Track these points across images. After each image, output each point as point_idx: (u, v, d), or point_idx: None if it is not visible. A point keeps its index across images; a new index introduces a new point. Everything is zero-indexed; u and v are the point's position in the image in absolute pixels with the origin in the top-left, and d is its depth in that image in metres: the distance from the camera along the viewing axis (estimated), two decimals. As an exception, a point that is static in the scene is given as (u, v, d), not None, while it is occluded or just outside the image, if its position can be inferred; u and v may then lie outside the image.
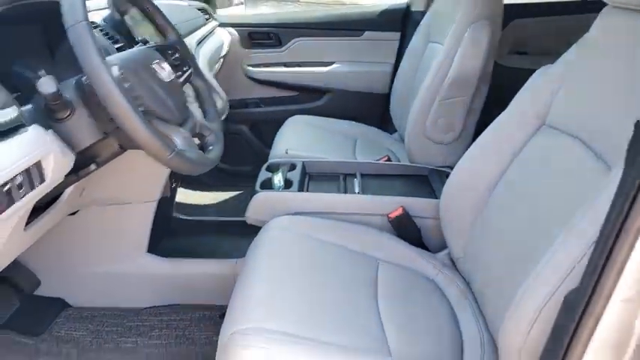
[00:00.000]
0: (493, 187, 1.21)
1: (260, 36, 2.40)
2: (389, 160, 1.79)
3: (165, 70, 1.07)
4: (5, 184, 0.76)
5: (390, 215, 1.41)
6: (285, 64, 2.43)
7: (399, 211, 1.40)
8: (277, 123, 2.21)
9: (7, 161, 0.78)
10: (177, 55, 1.20)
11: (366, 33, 2.38)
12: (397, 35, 2.35)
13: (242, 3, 2.75)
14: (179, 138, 1.00)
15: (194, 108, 1.21)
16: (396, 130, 2.20)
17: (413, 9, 2.30)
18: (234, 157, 2.36)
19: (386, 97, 2.33)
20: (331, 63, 2.42)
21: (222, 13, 2.55)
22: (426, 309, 1.16)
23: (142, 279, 1.56)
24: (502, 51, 2.17)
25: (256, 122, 2.48)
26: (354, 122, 2.28)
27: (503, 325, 0.82)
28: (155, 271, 1.56)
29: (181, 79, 1.17)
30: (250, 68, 2.44)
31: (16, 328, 1.41)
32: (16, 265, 1.48)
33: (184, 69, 1.20)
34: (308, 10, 2.70)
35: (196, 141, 1.12)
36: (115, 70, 0.92)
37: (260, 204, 1.44)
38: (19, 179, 0.80)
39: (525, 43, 2.30)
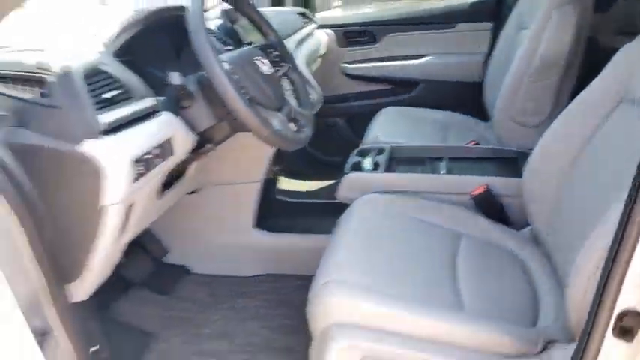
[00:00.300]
0: (575, 162, 1.24)
1: (355, 34, 2.56)
2: (477, 144, 1.84)
3: (265, 65, 1.27)
4: (146, 154, 1.00)
5: (472, 193, 1.48)
6: (380, 59, 2.56)
7: (482, 190, 1.46)
8: (372, 115, 2.34)
9: (147, 137, 1.02)
10: (276, 53, 1.40)
11: (459, 25, 2.43)
12: (489, 25, 2.37)
13: (339, 6, 2.93)
14: (276, 120, 1.19)
15: (290, 97, 1.40)
16: (490, 118, 2.22)
17: (506, -2, 2.31)
18: (331, 148, 2.54)
19: (479, 86, 2.36)
20: (424, 55, 2.50)
21: (321, 15, 2.75)
22: (503, 275, 1.23)
23: (249, 250, 1.79)
24: (607, 31, 2.10)
25: (352, 115, 2.64)
26: (447, 111, 2.34)
27: (575, 266, 0.89)
28: (260, 243, 1.79)
29: (279, 73, 1.37)
30: (346, 65, 2.60)
31: (150, 287, 1.71)
32: (150, 235, 1.79)
33: (282, 65, 1.40)
34: (400, 7, 2.81)
35: (292, 125, 1.30)
36: (226, 66, 1.13)
37: (350, 184, 1.59)
38: (155, 152, 1.04)
39: (634, 22, 2.19)
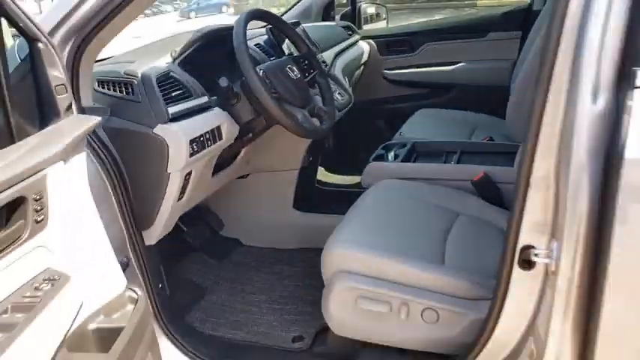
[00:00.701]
0: None
1: (395, 44, 2.84)
2: (491, 140, 2.06)
3: (294, 72, 1.60)
4: (201, 136, 1.37)
5: (473, 179, 1.71)
6: (417, 66, 2.82)
7: (481, 175, 1.69)
8: (409, 117, 2.60)
9: (201, 125, 1.38)
10: (306, 62, 1.72)
11: (490, 34, 2.63)
12: (519, 34, 2.56)
13: (384, 19, 3.22)
14: (300, 114, 1.52)
15: (317, 97, 1.72)
16: (514, 119, 2.41)
17: (535, 8, 2.49)
18: (372, 146, 2.82)
19: (508, 89, 2.55)
20: (458, 62, 2.73)
21: (367, 27, 3.05)
22: (487, 244, 1.45)
23: (289, 228, 2.13)
24: None
25: (392, 116, 2.90)
26: (476, 112, 2.55)
27: None
28: (298, 222, 2.12)
29: (308, 78, 1.70)
30: (387, 71, 2.88)
31: (207, 253, 2.09)
32: (210, 212, 2.18)
33: (311, 71, 1.72)
34: (435, 19, 3.04)
35: (315, 120, 1.62)
36: (261, 73, 1.47)
37: (371, 171, 1.88)
38: (207, 135, 1.40)
39: None
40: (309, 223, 2.12)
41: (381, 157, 1.96)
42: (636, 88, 0.76)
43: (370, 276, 1.32)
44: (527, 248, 0.93)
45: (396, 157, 1.93)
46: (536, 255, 0.91)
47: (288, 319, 1.71)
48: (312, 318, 1.67)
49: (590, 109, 0.80)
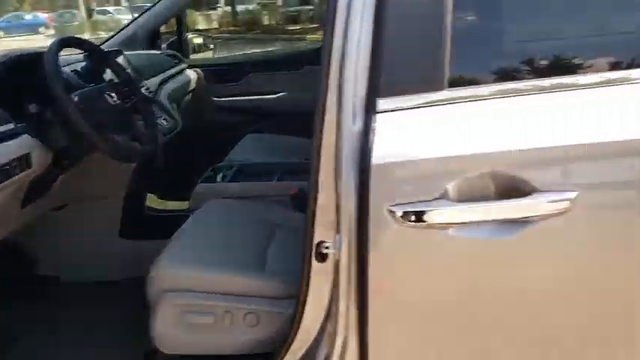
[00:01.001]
0: None
1: (221, 73, 2.99)
2: (307, 159, 2.30)
3: (113, 98, 1.62)
4: (6, 164, 1.30)
5: (290, 194, 1.90)
6: (244, 94, 3.00)
7: (295, 191, 1.89)
8: (237, 141, 2.74)
9: (6, 152, 1.32)
10: (126, 89, 1.75)
11: (306, 67, 2.94)
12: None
13: (211, 49, 3.37)
14: (119, 139, 1.54)
15: (139, 123, 1.76)
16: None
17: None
18: (204, 171, 2.89)
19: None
20: (280, 92, 2.98)
21: (195, 57, 3.15)
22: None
23: (116, 258, 2.07)
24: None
25: (222, 142, 3.01)
26: (297, 137, 2.79)
27: None
28: (126, 251, 2.08)
29: (128, 104, 1.72)
30: (216, 99, 3.01)
31: (16, 294, 1.92)
32: (20, 248, 2.01)
33: (132, 97, 1.76)
34: (258, 52, 3.29)
35: (136, 144, 1.66)
36: (75, 99, 1.47)
37: (200, 193, 1.96)
38: (13, 164, 1.34)
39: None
40: (137, 251, 2.09)
41: (210, 179, 2.06)
42: (377, 113, 1.00)
43: (193, 290, 1.40)
44: (321, 243, 1.11)
45: (223, 178, 2.05)
46: (327, 248, 1.09)
47: (113, 351, 1.68)
48: (140, 344, 1.66)
49: (350, 129, 1.01)
